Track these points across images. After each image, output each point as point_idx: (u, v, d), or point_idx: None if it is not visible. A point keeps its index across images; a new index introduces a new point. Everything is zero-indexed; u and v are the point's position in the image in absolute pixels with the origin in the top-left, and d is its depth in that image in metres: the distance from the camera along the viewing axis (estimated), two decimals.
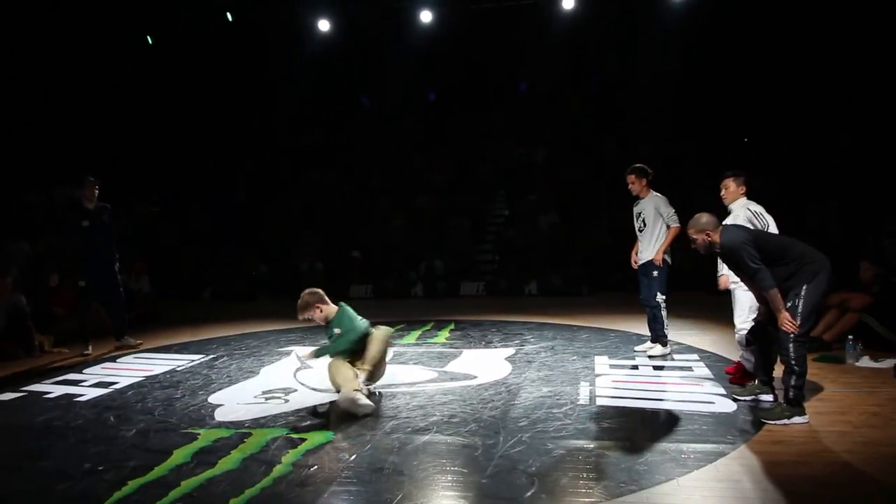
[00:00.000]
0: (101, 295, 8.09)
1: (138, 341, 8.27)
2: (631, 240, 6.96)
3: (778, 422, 4.46)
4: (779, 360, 4.67)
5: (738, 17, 14.89)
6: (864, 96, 13.88)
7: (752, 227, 5.05)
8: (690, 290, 9.72)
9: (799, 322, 4.44)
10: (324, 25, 14.78)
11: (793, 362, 4.47)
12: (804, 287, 4.47)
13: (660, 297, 6.56)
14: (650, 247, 6.59)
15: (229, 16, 14.92)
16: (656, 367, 6.26)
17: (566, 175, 16.12)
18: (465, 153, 17.73)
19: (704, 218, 4.73)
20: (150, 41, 15.73)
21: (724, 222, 5.06)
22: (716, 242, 4.67)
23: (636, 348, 6.99)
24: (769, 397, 4.90)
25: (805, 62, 14.62)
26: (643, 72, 16.41)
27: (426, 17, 14.37)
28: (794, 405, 4.51)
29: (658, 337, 6.71)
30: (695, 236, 4.75)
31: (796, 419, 4.48)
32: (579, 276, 12.86)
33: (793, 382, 4.49)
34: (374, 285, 13.38)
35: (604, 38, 16.63)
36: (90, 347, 7.90)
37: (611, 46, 17.03)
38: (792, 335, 4.45)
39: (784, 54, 14.88)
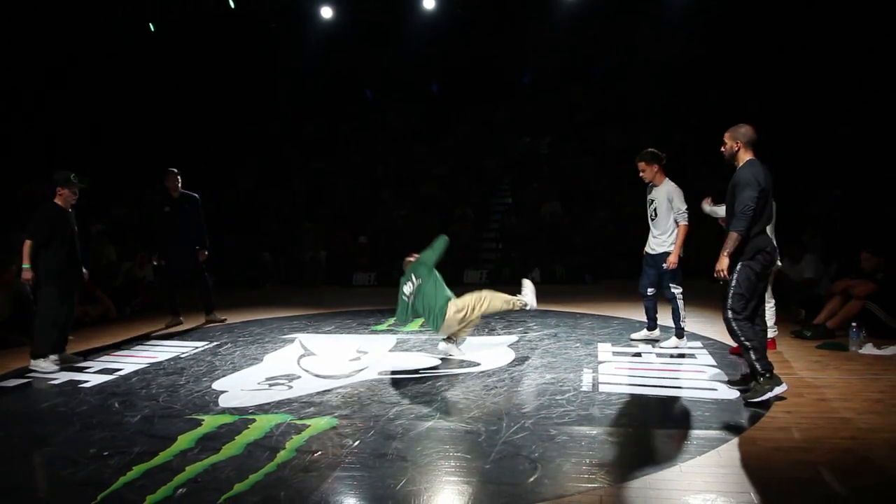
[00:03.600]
0: (184, 276, 8.77)
1: (223, 317, 8.96)
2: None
3: (762, 398, 4.54)
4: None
5: (739, 7, 14.80)
6: (865, 83, 13.81)
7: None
8: (692, 277, 9.67)
9: (734, 286, 4.57)
10: (326, 13, 14.73)
11: (742, 339, 4.61)
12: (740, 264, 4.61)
13: (675, 289, 6.38)
14: (659, 238, 6.40)
15: (231, 3, 14.84)
16: (659, 355, 6.26)
17: (569, 164, 16.09)
18: (468, 143, 17.69)
19: (744, 129, 4.74)
20: (152, 28, 15.66)
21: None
22: (738, 159, 4.73)
23: (633, 336, 6.92)
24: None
25: (806, 49, 14.54)
26: (646, 61, 16.35)
27: (429, 3, 14.30)
28: (767, 376, 4.58)
29: (676, 329, 6.54)
30: (727, 141, 4.79)
31: (777, 389, 4.55)
32: (582, 264, 12.85)
33: (753, 357, 4.60)
34: (378, 273, 13.40)
35: (607, 28, 16.53)
36: (181, 319, 8.77)
37: (614, 36, 16.93)
38: (733, 317, 4.59)
39: (785, 42, 14.80)
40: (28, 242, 6.40)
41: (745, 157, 4.71)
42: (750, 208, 4.51)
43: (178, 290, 8.97)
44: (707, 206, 6.05)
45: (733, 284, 4.60)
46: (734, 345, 6.00)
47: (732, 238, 4.58)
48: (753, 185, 4.53)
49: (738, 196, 4.59)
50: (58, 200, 6.62)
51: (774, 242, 4.90)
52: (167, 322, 8.69)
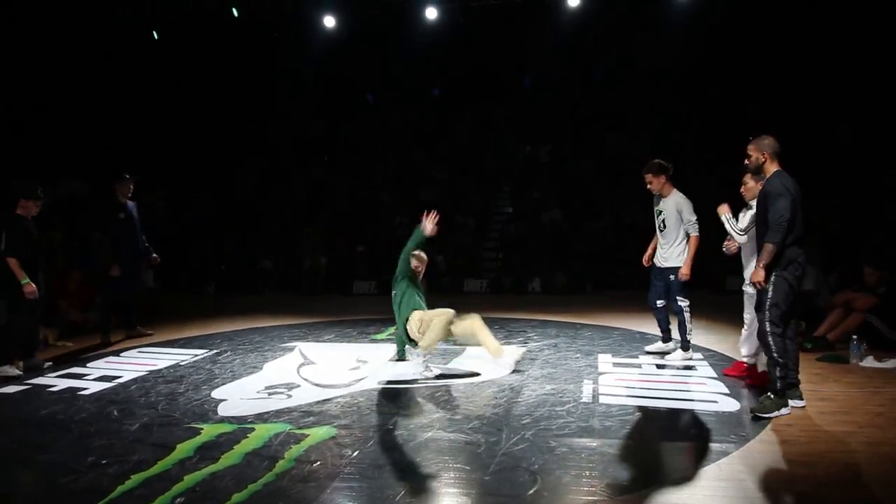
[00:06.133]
0: (129, 285, 8.32)
1: (150, 331, 8.52)
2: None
3: (770, 414, 4.53)
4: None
5: (739, 8, 14.86)
6: (863, 90, 13.83)
7: None
8: (693, 289, 9.66)
9: (770, 297, 4.55)
10: (329, 21, 14.79)
11: (775, 354, 4.59)
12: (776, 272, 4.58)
13: (682, 302, 6.29)
14: (669, 250, 6.28)
15: (235, 11, 14.89)
16: (660, 366, 6.24)
17: (570, 171, 16.11)
18: (469, 149, 17.72)
19: (768, 140, 4.76)
20: (155, 36, 15.71)
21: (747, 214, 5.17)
22: (765, 171, 4.73)
23: (647, 348, 6.83)
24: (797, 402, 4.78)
25: (806, 49, 14.57)
26: (646, 66, 16.40)
27: (431, 13, 14.35)
28: (778, 396, 4.59)
29: (682, 342, 6.43)
30: (752, 153, 4.79)
31: (779, 411, 4.57)
32: (583, 274, 12.84)
33: (778, 373, 4.59)
34: (378, 281, 13.39)
35: (607, 31, 16.57)
36: (111, 338, 8.14)
37: (613, 39, 16.97)
38: (770, 330, 4.55)
39: (785, 42, 14.83)
40: (13, 260, 6.37)
41: (772, 168, 4.71)
42: (785, 218, 4.47)
43: (121, 305, 8.33)
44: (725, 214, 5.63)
45: (769, 295, 4.58)
46: (730, 364, 6.01)
47: (768, 249, 4.54)
48: (786, 195, 4.50)
49: (770, 207, 4.56)
50: (21, 211, 6.56)
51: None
52: (100, 340, 8.06)
